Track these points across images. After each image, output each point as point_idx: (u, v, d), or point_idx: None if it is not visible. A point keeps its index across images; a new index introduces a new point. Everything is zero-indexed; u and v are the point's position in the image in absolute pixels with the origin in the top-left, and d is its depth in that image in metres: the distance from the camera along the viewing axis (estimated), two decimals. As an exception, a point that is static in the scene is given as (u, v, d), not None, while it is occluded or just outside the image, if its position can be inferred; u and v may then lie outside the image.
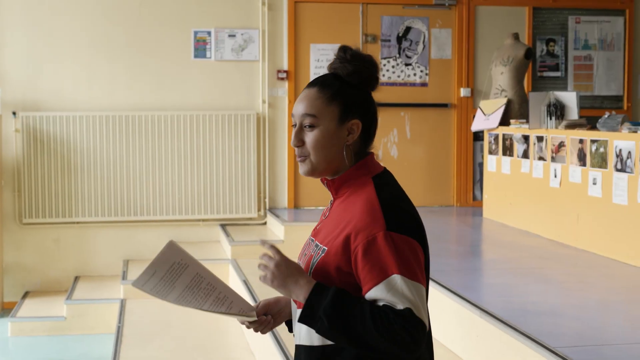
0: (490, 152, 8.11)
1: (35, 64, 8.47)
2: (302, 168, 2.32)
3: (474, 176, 9.24)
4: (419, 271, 2.16)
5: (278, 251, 2.23)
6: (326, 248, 2.23)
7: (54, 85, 8.50)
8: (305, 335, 2.27)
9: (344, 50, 2.30)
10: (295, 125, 2.31)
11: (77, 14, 8.53)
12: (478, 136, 9.13)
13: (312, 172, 2.31)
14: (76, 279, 8.45)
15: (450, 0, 9.13)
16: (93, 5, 8.56)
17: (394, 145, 9.10)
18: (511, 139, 7.64)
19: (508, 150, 7.72)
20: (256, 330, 2.42)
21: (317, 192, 8.84)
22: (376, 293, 2.11)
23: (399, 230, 2.16)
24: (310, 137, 2.27)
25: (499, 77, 8.27)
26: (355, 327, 2.10)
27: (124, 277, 7.78)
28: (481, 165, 9.10)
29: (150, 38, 8.66)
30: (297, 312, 2.30)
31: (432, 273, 5.46)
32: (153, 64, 8.66)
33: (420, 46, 9.13)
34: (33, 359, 6.94)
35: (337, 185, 2.32)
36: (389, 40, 9.09)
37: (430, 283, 5.25)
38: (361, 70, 2.29)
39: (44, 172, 8.43)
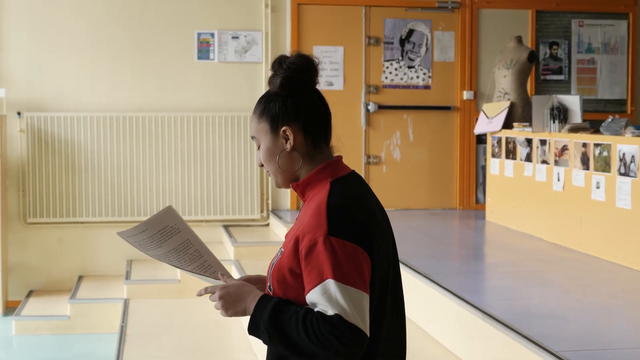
0: (493, 155, 8.14)
1: (39, 64, 8.50)
2: (272, 183, 2.50)
3: (477, 179, 9.27)
4: (357, 276, 2.17)
5: (216, 285, 2.36)
6: (282, 250, 2.31)
7: (58, 86, 8.54)
8: None
9: (275, 62, 2.40)
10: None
11: (80, 16, 8.56)
12: (481, 139, 9.15)
13: (277, 184, 2.44)
14: (80, 278, 8.49)
15: (453, 3, 9.16)
16: (97, 6, 8.59)
17: (397, 147, 9.12)
18: (514, 142, 7.66)
19: (511, 154, 7.74)
20: None
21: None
22: (313, 296, 2.17)
23: (339, 235, 2.19)
24: (259, 155, 2.43)
25: (502, 80, 8.29)
26: (292, 337, 2.16)
27: (127, 277, 7.81)
28: (484, 168, 9.12)
29: (153, 39, 8.69)
30: None
31: (434, 275, 5.51)
32: (156, 66, 8.69)
33: (423, 49, 9.16)
34: (37, 357, 6.97)
35: (301, 189, 2.40)
36: (392, 43, 9.11)
37: (433, 286, 5.29)
38: (290, 79, 2.38)
39: (48, 172, 8.46)
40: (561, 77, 9.40)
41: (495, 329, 4.35)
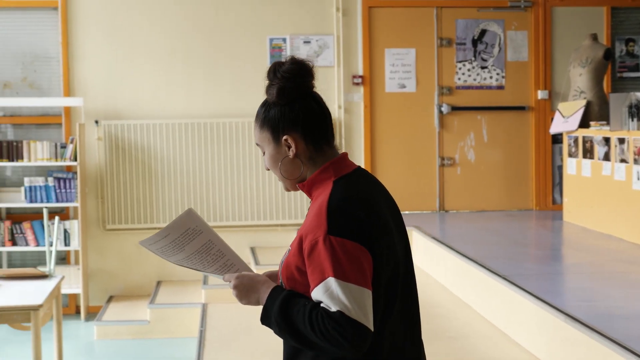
0: (570, 155, 8.03)
1: (115, 73, 8.65)
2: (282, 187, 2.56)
3: (553, 179, 9.16)
4: (357, 274, 2.23)
5: (233, 274, 2.43)
6: (290, 249, 2.39)
7: (134, 94, 8.67)
8: None
9: (269, 71, 2.45)
10: None
11: (155, 24, 8.69)
12: (557, 139, 9.04)
13: (286, 189, 2.53)
14: (158, 283, 8.60)
15: (526, 2, 9.07)
16: (170, 14, 8.71)
17: (471, 149, 9.06)
18: (591, 142, 7.55)
19: (588, 153, 7.63)
20: None
21: (394, 196, 8.86)
22: (317, 294, 2.24)
23: (339, 234, 2.25)
24: (264, 161, 2.51)
25: (577, 79, 8.18)
26: (299, 330, 2.25)
27: (204, 282, 7.88)
28: (560, 168, 9.01)
29: (226, 46, 8.78)
30: None
31: (512, 277, 5.46)
32: (230, 72, 8.78)
33: (496, 49, 9.08)
34: (118, 362, 7.09)
35: (307, 189, 2.47)
36: (464, 44, 9.06)
37: (512, 287, 5.24)
38: (286, 87, 2.43)
39: (125, 179, 8.60)
40: (638, 74, 9.23)
41: (578, 331, 4.29)
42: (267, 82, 2.47)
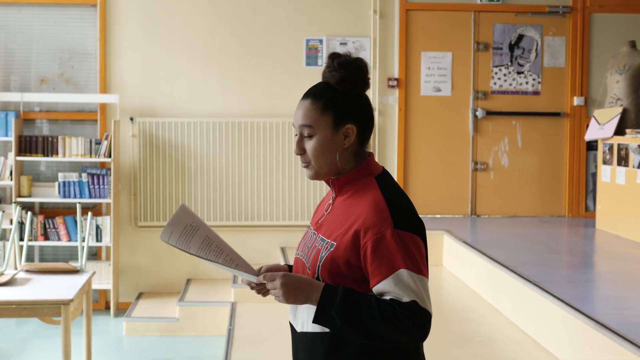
0: (605, 162, 7.96)
1: (151, 71, 8.70)
2: (307, 173, 2.50)
3: (587, 186, 9.08)
4: (422, 265, 2.34)
5: (276, 273, 2.38)
6: (335, 243, 2.39)
7: (169, 92, 8.71)
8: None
9: (332, 58, 2.47)
10: (297, 134, 2.49)
11: (191, 22, 8.73)
12: (591, 146, 8.96)
13: (316, 177, 2.49)
14: (188, 281, 8.63)
15: (564, 8, 9.00)
16: (208, 13, 8.74)
17: (505, 154, 9.01)
18: (627, 149, 7.48)
19: (623, 161, 7.56)
20: (258, 292, 2.52)
21: (427, 199, 8.84)
22: (384, 286, 2.30)
23: (404, 228, 2.33)
24: (309, 145, 2.45)
25: (614, 86, 8.11)
26: (365, 322, 2.27)
27: (234, 280, 7.89)
28: (594, 175, 8.93)
29: (263, 46, 8.79)
30: (298, 307, 2.50)
31: (544, 283, 5.42)
32: (266, 72, 8.80)
33: (533, 54, 9.02)
34: (146, 358, 7.11)
35: (341, 185, 2.49)
36: (501, 49, 9.01)
37: (543, 294, 5.21)
38: (349, 77, 2.44)
39: (158, 177, 8.64)
40: (676, 82, 9.12)
41: (608, 339, 4.25)
42: (327, 67, 2.47)
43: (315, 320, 2.33)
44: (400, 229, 2.32)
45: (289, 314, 2.58)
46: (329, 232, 2.45)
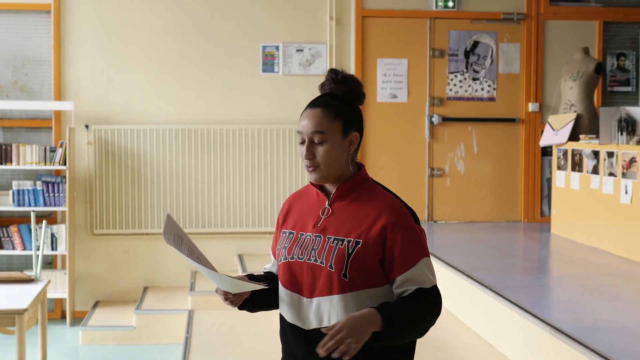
0: (559, 168, 8.04)
1: (106, 78, 8.64)
2: (313, 176, 2.68)
3: (542, 192, 9.17)
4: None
5: (333, 326, 2.44)
6: (360, 240, 2.59)
7: (125, 99, 8.66)
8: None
9: (335, 73, 2.68)
10: (304, 141, 2.66)
11: (147, 29, 8.68)
12: (546, 151, 9.06)
13: (323, 180, 2.68)
14: (145, 289, 8.58)
15: (519, 15, 9.09)
16: (164, 20, 8.70)
17: (461, 160, 9.07)
18: (580, 155, 7.57)
19: (577, 166, 7.64)
20: (231, 303, 2.71)
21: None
22: (412, 274, 2.57)
23: (417, 222, 2.65)
24: (320, 150, 2.65)
25: (568, 92, 8.20)
26: (419, 325, 2.55)
27: (191, 288, 7.86)
28: (549, 180, 9.02)
29: (219, 52, 8.77)
30: (302, 307, 2.67)
31: (500, 289, 5.46)
32: (222, 78, 8.77)
33: (488, 61, 9.10)
34: (103, 367, 7.06)
35: (348, 187, 2.70)
36: (457, 55, 9.07)
37: (498, 299, 5.25)
38: (352, 90, 2.67)
39: (114, 184, 8.58)
40: (629, 88, 9.26)
41: (563, 343, 4.29)
42: (331, 81, 2.68)
43: (386, 342, 2.48)
44: (418, 224, 2.63)
45: (286, 316, 2.73)
46: (344, 232, 2.62)
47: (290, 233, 2.75)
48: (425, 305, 2.55)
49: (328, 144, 2.64)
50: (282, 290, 2.75)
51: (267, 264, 2.93)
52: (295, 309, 2.69)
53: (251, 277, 2.76)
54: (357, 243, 2.58)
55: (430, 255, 2.66)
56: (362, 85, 2.71)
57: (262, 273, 2.91)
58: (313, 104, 2.67)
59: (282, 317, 2.78)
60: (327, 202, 2.71)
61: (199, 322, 7.17)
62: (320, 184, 2.73)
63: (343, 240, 2.60)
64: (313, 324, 2.65)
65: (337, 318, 2.57)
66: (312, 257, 2.65)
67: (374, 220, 2.60)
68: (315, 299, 2.63)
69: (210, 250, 8.65)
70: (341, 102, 2.66)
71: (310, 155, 2.64)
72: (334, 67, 8.68)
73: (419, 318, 2.53)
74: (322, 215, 2.70)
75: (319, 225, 2.68)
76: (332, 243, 2.61)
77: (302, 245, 2.69)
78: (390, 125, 8.99)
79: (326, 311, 2.61)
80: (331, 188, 2.72)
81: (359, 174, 2.73)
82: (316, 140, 2.64)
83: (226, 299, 2.68)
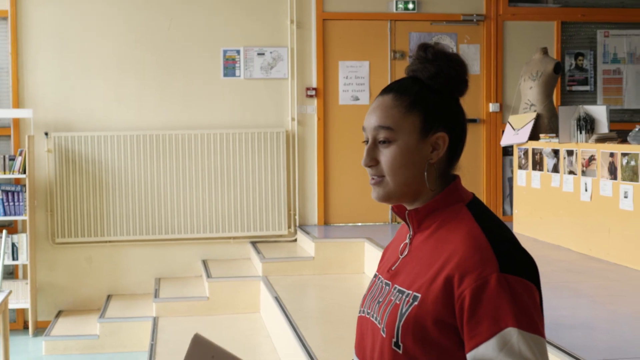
0: (520, 167, 8.09)
1: (65, 84, 8.57)
2: (375, 192, 1.91)
3: (504, 191, 9.22)
4: (539, 321, 1.73)
5: None
6: (419, 295, 1.78)
7: (85, 106, 8.59)
8: None
9: (424, 48, 1.88)
10: (367, 141, 1.96)
11: (106, 35, 8.63)
12: (507, 151, 9.11)
13: (388, 198, 1.89)
14: (109, 297, 8.51)
15: (478, 16, 9.14)
16: (122, 26, 8.65)
17: (424, 161, 9.08)
18: (541, 154, 7.62)
19: (538, 165, 7.70)
20: None
21: (347, 208, 8.87)
22: (486, 351, 1.69)
23: (514, 271, 1.73)
24: (386, 154, 1.88)
25: (527, 92, 8.26)
26: None
27: (155, 295, 7.82)
28: (511, 180, 9.07)
29: (179, 57, 8.74)
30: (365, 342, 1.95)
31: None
32: (183, 83, 8.74)
33: (449, 62, 9.12)
34: (67, 377, 6.99)
35: (422, 216, 1.89)
36: (417, 57, 9.08)
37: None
38: (446, 72, 1.86)
39: (75, 192, 8.51)
40: (587, 87, 9.35)
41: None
42: (417, 59, 1.90)
43: None
44: (509, 273, 1.72)
45: (354, 353, 2.00)
46: (409, 281, 1.84)
47: (374, 276, 2.02)
48: None
49: (397, 145, 1.86)
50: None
51: None
52: (359, 347, 1.97)
53: None
54: (414, 298, 1.78)
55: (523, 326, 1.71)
56: (465, 68, 1.87)
57: None
58: (385, 89, 1.92)
59: None
60: (408, 235, 1.95)
61: (163, 329, 7.13)
62: (396, 211, 1.94)
63: (404, 293, 1.82)
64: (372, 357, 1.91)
65: None
66: (375, 313, 1.90)
67: (442, 265, 1.78)
68: None
69: (174, 257, 8.62)
70: (424, 89, 1.86)
71: (372, 161, 1.90)
72: (299, 71, 8.72)
73: None
74: (401, 255, 1.94)
75: (394, 268, 1.93)
76: (395, 296, 1.84)
77: (373, 294, 1.95)
78: (352, 128, 9.00)
79: (370, 340, 1.89)
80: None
81: (444, 193, 1.88)
82: (381, 139, 1.89)
83: None
